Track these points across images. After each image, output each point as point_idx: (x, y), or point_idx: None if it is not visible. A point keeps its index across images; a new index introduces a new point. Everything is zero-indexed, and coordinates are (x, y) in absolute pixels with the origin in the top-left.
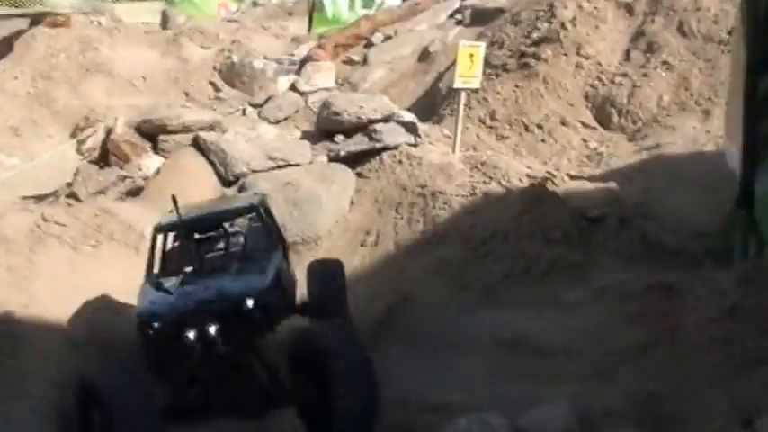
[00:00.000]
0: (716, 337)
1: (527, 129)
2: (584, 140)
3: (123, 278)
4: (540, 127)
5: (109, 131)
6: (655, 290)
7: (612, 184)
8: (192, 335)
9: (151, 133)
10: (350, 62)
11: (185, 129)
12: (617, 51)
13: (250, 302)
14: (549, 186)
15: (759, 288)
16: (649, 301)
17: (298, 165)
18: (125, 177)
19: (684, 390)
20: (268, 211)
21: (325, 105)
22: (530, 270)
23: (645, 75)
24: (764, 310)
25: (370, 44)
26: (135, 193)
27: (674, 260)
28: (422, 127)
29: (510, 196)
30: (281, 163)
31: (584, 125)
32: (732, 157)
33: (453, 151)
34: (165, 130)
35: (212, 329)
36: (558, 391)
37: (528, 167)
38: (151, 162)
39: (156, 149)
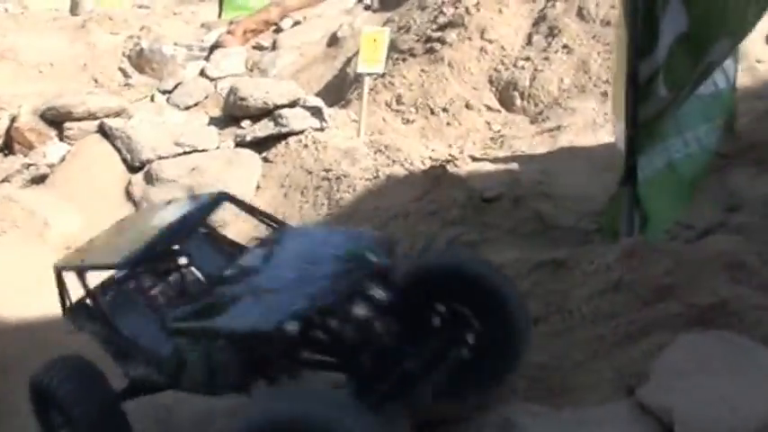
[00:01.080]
0: (602, 309)
1: (433, 112)
2: (488, 123)
3: (26, 265)
4: (445, 110)
5: (13, 119)
6: (545, 266)
7: (514, 165)
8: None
9: (56, 120)
10: (259, 48)
11: (91, 115)
12: (520, 35)
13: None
14: (451, 168)
15: (642, 262)
16: (540, 277)
17: (204, 150)
18: (29, 165)
19: (572, 361)
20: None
21: (232, 91)
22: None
23: (546, 58)
24: (647, 283)
25: (279, 29)
26: (39, 180)
27: (566, 238)
28: (328, 111)
29: (411, 178)
30: (188, 149)
31: (489, 108)
32: (619, 136)
33: (358, 135)
34: (70, 117)
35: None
36: None
37: (431, 150)
38: (56, 149)
39: (61, 137)
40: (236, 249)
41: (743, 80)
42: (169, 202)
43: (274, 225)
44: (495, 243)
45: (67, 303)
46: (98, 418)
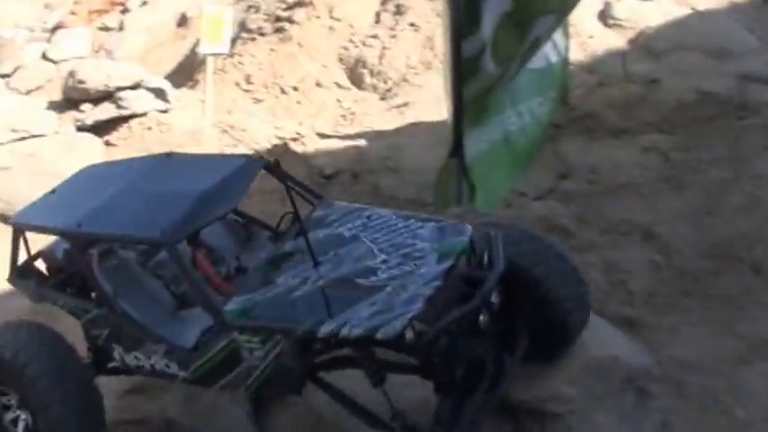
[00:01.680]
0: None
1: (283, 91)
2: (339, 101)
3: None
4: (295, 89)
5: None
6: None
7: (362, 142)
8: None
9: None
10: (105, 29)
11: None
12: (368, 14)
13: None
14: (297, 146)
15: None
16: None
17: (42, 135)
18: None
19: None
20: None
21: (71, 74)
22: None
23: (394, 36)
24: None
25: (126, 10)
26: None
27: (402, 209)
28: (176, 93)
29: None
30: (24, 134)
31: (339, 86)
32: (449, 111)
33: (205, 115)
34: None
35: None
36: None
37: (279, 129)
38: None
39: None
40: (253, 227)
41: (576, 55)
42: (163, 158)
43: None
44: None
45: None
46: (73, 401)
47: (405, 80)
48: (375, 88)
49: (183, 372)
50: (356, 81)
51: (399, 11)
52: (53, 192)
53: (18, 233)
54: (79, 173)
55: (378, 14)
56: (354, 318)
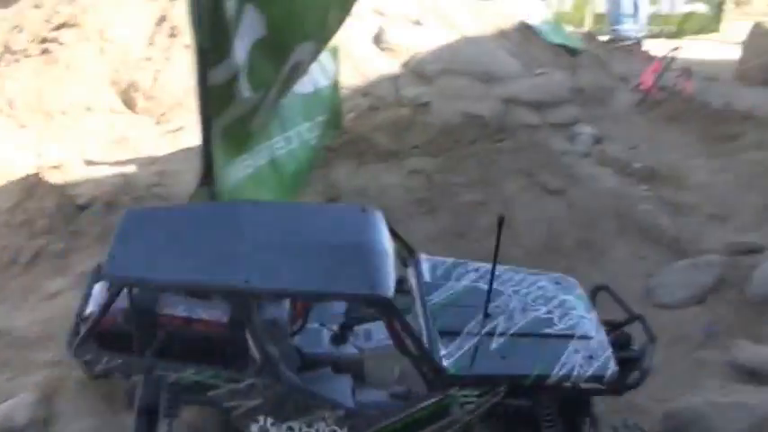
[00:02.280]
0: None
1: (50, 116)
2: (112, 125)
3: None
4: (64, 114)
5: None
6: None
7: (132, 168)
8: None
9: None
10: None
11: None
12: (141, 36)
13: None
14: (58, 175)
15: None
16: None
17: None
18: None
19: None
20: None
21: None
22: (14, 262)
23: (168, 58)
24: None
25: None
26: None
27: None
28: None
29: (8, 188)
30: None
31: (112, 110)
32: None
33: None
34: None
35: None
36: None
37: (40, 156)
38: None
39: None
40: None
41: (349, 79)
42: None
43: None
44: (84, 251)
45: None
46: None
47: (179, 104)
48: (149, 112)
49: None
50: (130, 105)
51: (173, 33)
52: (125, 238)
53: (118, 288)
54: (130, 217)
55: (151, 36)
56: (573, 362)
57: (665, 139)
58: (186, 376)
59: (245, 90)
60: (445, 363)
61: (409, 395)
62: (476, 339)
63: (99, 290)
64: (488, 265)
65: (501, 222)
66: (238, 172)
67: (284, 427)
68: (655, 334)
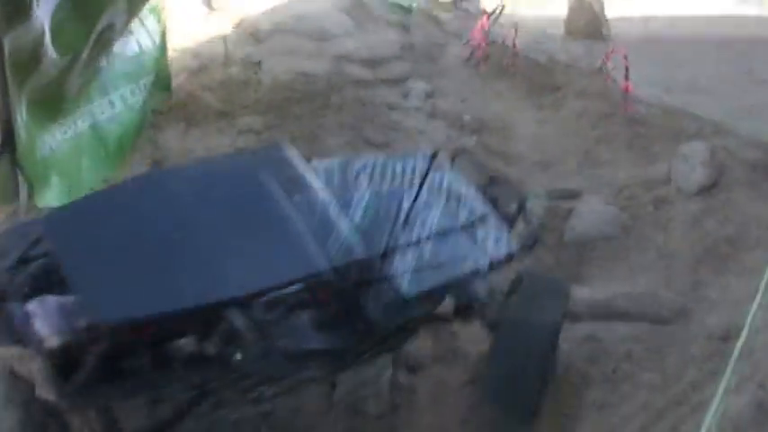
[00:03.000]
0: None
1: None
2: None
3: None
4: None
5: None
6: None
7: None
8: None
9: None
10: None
11: None
12: None
13: None
14: None
15: None
16: None
17: None
18: None
19: None
20: None
21: None
22: None
23: None
24: None
25: None
26: None
27: None
28: None
29: None
30: None
31: None
32: None
33: None
34: None
35: None
36: None
37: None
38: None
39: None
40: None
41: (178, 40)
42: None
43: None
44: None
45: None
46: None
47: None
48: None
49: None
50: None
51: None
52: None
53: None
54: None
55: None
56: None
57: (493, 92)
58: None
59: (51, 54)
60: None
61: None
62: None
63: (40, 310)
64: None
65: None
66: (56, 138)
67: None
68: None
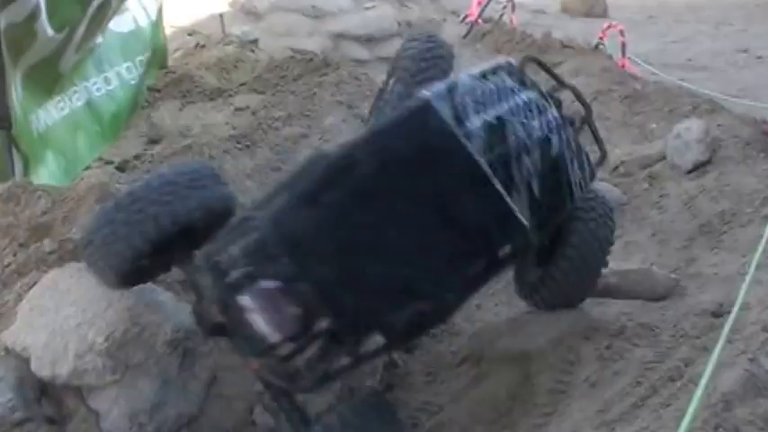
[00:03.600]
0: None
1: None
2: None
3: None
4: None
5: None
6: None
7: None
8: None
9: None
10: None
11: None
12: None
13: None
14: None
15: (21, 204)
16: None
17: None
18: None
19: None
20: None
21: None
22: None
23: None
24: (24, 224)
25: None
26: None
27: None
28: None
29: None
30: None
31: None
32: None
33: None
34: None
35: None
36: None
37: None
38: None
39: None
40: None
41: (175, 17)
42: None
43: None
44: None
45: None
46: None
47: None
48: None
49: None
50: None
51: None
52: None
53: None
54: None
55: None
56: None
57: None
58: None
59: (46, 29)
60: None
61: None
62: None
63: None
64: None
65: None
66: (51, 114)
67: None
68: (588, 104)
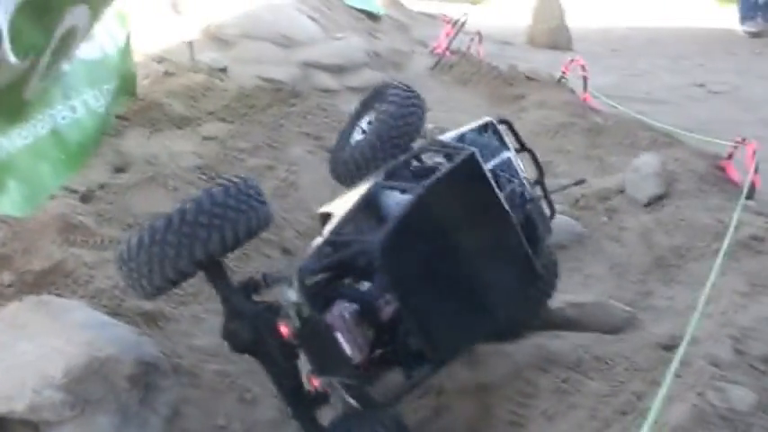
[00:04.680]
0: None
1: None
2: None
3: None
4: None
5: None
6: None
7: None
8: None
9: None
10: None
11: None
12: None
13: None
14: None
15: None
16: None
17: None
18: None
19: None
20: None
21: None
22: None
23: None
24: None
25: None
26: None
27: None
28: None
29: None
30: None
31: None
32: None
33: None
34: None
35: None
36: None
37: None
38: None
39: None
40: None
41: (144, 44)
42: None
43: None
44: None
45: None
46: None
47: None
48: None
49: None
50: None
51: None
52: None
53: None
54: None
55: None
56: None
57: (457, 101)
58: None
59: (8, 56)
60: None
61: None
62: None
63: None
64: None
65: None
66: (14, 142)
67: None
68: (542, 167)
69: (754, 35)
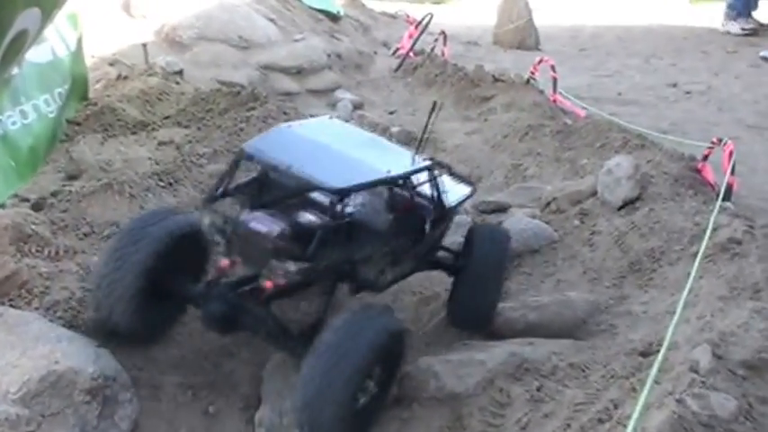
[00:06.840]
0: None
1: None
2: None
3: None
4: None
5: None
6: None
7: None
8: None
9: None
10: None
11: None
12: None
13: None
14: None
15: None
16: None
17: None
18: None
19: None
20: None
21: None
22: None
23: None
24: None
25: None
26: None
27: None
28: None
29: None
30: None
31: None
32: None
33: None
34: None
35: None
36: None
37: None
38: None
39: None
40: None
41: (97, 47)
42: None
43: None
44: None
45: None
46: None
47: None
48: None
49: None
50: None
51: None
52: None
53: None
54: None
55: None
56: None
57: (422, 103)
58: None
59: None
60: None
61: None
62: None
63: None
64: None
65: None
66: None
67: None
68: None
69: (750, 33)
